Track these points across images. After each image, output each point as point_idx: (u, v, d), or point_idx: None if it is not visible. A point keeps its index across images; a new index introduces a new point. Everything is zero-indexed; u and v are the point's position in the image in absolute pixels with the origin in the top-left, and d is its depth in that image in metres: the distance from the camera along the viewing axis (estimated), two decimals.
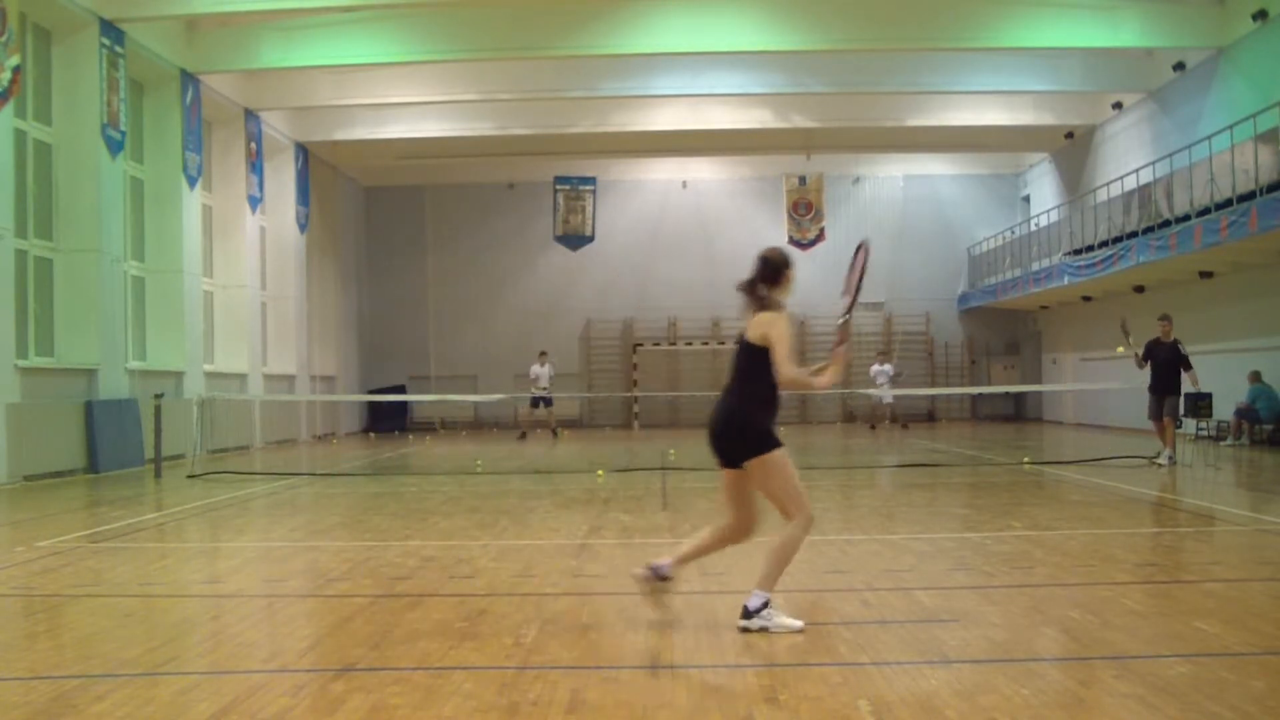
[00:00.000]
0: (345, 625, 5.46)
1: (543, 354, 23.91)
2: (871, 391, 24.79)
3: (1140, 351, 14.06)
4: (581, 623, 5.45)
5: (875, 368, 25.41)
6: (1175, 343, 13.94)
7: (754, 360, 5.22)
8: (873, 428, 25.29)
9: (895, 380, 25.13)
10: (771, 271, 5.48)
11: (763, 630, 5.05)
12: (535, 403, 23.63)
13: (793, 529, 5.14)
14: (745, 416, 5.20)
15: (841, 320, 5.66)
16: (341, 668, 4.63)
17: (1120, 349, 14.35)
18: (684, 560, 5.31)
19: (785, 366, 5.11)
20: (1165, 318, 14.16)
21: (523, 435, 23.91)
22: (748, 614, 5.09)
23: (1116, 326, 14.83)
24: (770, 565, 5.13)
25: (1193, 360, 14.05)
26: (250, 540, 9.01)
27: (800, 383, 5.21)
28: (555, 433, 24.21)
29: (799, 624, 5.10)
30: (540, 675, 4.44)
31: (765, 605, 5.09)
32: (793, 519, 5.14)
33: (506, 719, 3.91)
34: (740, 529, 5.31)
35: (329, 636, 5.30)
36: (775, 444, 5.16)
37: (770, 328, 5.21)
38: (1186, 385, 13.97)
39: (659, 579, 5.22)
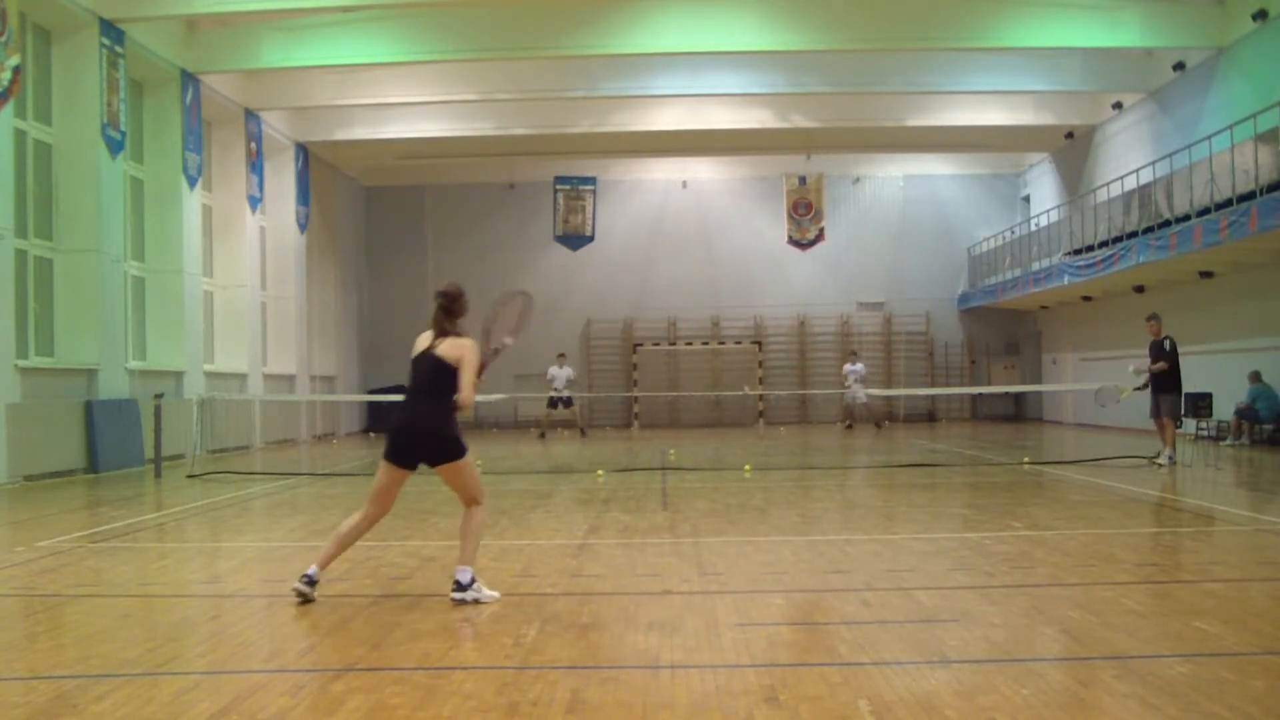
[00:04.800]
0: (345, 625, 5.46)
1: (561, 355, 24.12)
2: (845, 391, 24.79)
3: (1144, 376, 14.10)
4: (581, 623, 5.45)
5: (847, 367, 25.37)
6: (1165, 339, 13.92)
7: (446, 376, 5.93)
8: (849, 427, 25.21)
9: (864, 378, 25.14)
10: (456, 305, 6.17)
11: (475, 601, 5.82)
12: (553, 404, 23.69)
13: (482, 514, 6.09)
14: (448, 425, 5.96)
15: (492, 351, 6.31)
16: (341, 668, 4.63)
17: (1124, 393, 14.32)
18: (329, 560, 6.04)
19: (471, 386, 5.94)
20: (1152, 317, 14.19)
21: (541, 435, 23.90)
22: (461, 587, 5.86)
23: (1116, 327, 14.86)
24: (472, 544, 5.98)
25: (1193, 360, 14.02)
26: (250, 540, 9.01)
27: (472, 400, 6.01)
28: (584, 432, 24.41)
29: (497, 595, 5.97)
30: (540, 675, 4.44)
31: (474, 580, 5.90)
32: (480, 505, 6.07)
33: (506, 719, 3.91)
34: (377, 519, 6.11)
35: (329, 636, 5.30)
36: (465, 449, 6.02)
37: (467, 351, 5.98)
38: (1184, 380, 13.91)
39: (310, 585, 5.89)
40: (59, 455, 14.55)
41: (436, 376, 5.93)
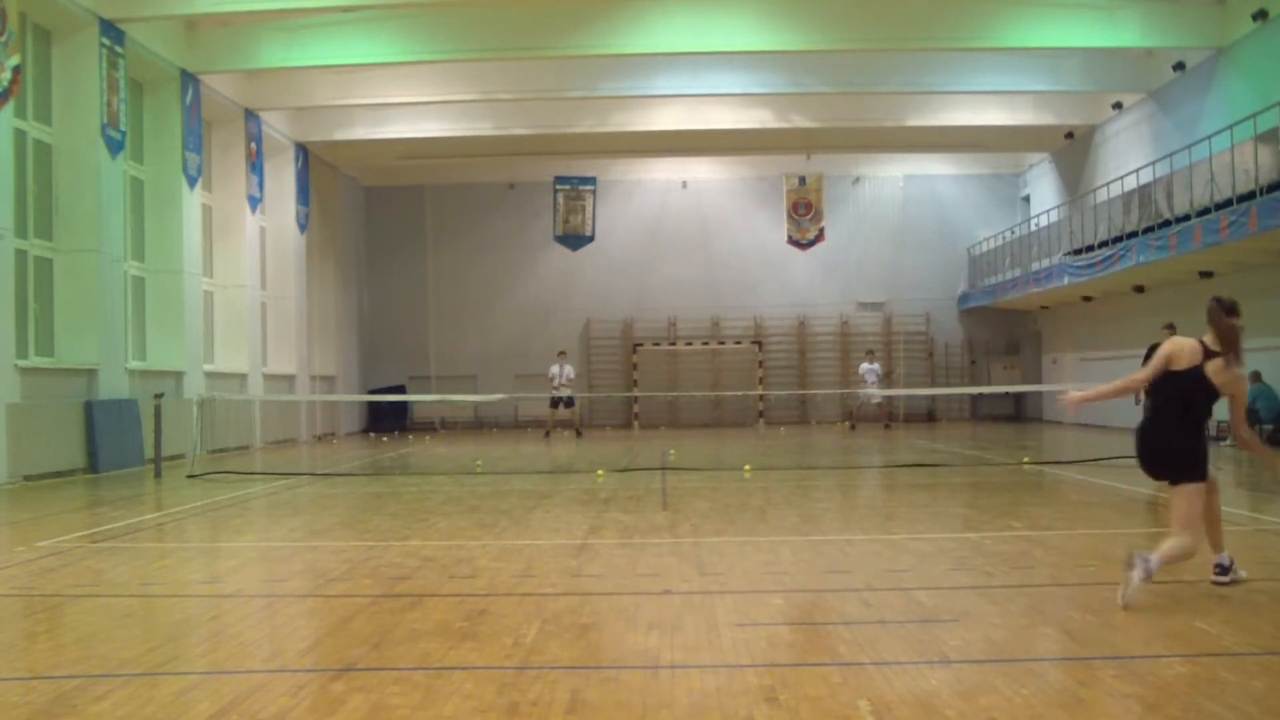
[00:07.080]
0: (345, 625, 5.46)
1: (561, 353, 24.12)
2: (861, 391, 24.78)
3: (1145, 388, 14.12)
4: (581, 623, 5.45)
5: (864, 366, 25.38)
6: None
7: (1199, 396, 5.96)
8: (852, 427, 25.21)
9: (884, 380, 25.16)
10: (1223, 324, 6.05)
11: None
12: (555, 403, 23.64)
13: (1178, 546, 5.71)
14: (1183, 441, 5.92)
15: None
16: (341, 668, 4.63)
17: None
18: (1219, 544, 6.13)
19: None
20: (1170, 326, 14.23)
21: (546, 435, 23.85)
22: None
23: (1116, 327, 14.86)
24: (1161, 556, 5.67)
25: None
26: (250, 540, 9.01)
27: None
28: (579, 433, 24.23)
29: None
30: (540, 675, 4.44)
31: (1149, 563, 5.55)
32: (1183, 540, 5.75)
33: (506, 719, 3.91)
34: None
35: (329, 636, 5.31)
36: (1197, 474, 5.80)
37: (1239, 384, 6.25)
38: None
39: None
40: (59, 455, 14.55)
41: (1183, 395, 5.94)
